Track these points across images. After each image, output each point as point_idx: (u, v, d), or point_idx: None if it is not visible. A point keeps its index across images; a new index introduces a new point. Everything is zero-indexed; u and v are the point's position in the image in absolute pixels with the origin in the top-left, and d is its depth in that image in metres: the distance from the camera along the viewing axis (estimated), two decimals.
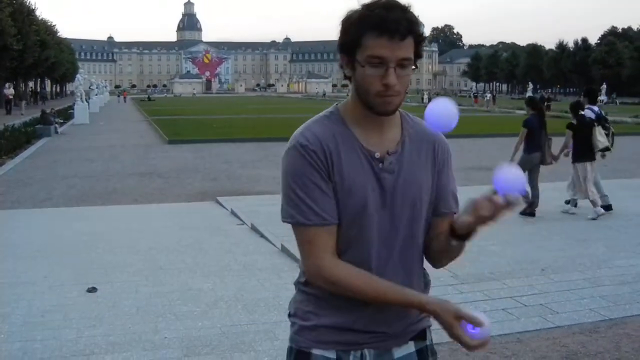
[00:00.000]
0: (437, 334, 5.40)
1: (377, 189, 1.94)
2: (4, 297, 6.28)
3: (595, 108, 10.84)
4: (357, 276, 1.90)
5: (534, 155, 10.29)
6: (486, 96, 74.10)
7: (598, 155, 10.36)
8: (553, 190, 13.36)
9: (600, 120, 10.58)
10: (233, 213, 10.73)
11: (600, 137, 10.18)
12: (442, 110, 1.83)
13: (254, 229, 9.35)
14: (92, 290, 6.44)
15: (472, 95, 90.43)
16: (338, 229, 1.94)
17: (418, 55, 1.89)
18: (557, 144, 10.78)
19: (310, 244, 1.92)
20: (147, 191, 14.17)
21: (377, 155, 1.94)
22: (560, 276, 6.89)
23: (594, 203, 9.96)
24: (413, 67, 1.89)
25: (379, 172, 1.94)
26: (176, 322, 5.57)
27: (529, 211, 10.13)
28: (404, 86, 1.87)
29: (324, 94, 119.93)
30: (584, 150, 10.08)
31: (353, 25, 1.85)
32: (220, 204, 11.77)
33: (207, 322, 5.55)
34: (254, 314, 5.76)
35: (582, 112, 10.36)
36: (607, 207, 10.28)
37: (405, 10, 1.83)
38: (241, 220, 10.13)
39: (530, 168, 10.18)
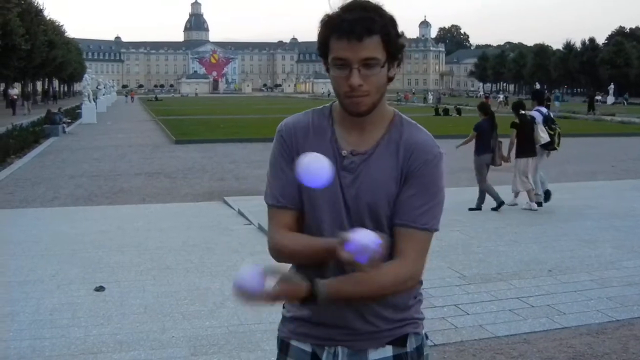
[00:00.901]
0: (444, 334, 5.40)
1: (336, 186, 1.94)
2: (12, 296, 6.32)
3: (543, 109, 11.43)
4: (296, 240, 1.97)
5: (483, 157, 10.94)
6: (499, 97, 73.48)
7: (544, 153, 11.20)
8: (561, 190, 13.35)
9: (548, 121, 11.19)
10: (240, 213, 10.74)
11: (542, 133, 10.86)
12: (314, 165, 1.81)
13: (260, 228, 9.35)
14: (100, 289, 6.46)
15: (483, 95, 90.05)
16: (302, 213, 2.00)
17: (391, 53, 1.87)
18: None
19: (270, 221, 2.04)
20: (154, 191, 14.21)
21: (344, 153, 1.96)
22: (567, 277, 6.88)
23: (516, 194, 10.99)
24: (383, 66, 1.86)
25: (339, 170, 1.94)
26: (183, 321, 5.59)
27: (477, 205, 10.85)
28: (372, 86, 1.87)
29: (329, 94, 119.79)
30: (525, 147, 10.72)
31: (321, 29, 1.89)
32: (228, 204, 11.79)
33: (215, 322, 5.57)
34: (261, 314, 5.75)
35: (523, 112, 11.01)
36: (539, 204, 10.95)
37: (367, 9, 1.83)
38: (248, 220, 10.14)
39: (480, 168, 10.95)
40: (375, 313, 2.01)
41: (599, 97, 54.85)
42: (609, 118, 42.78)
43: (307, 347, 2.07)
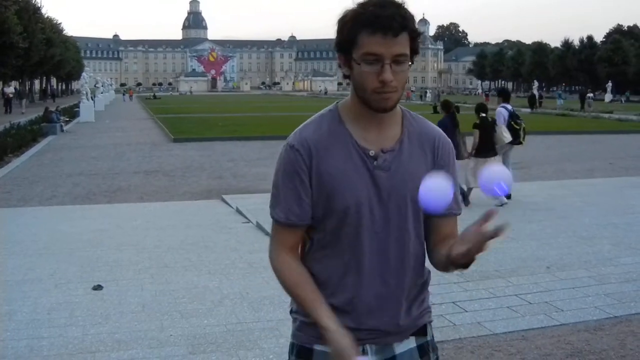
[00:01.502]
0: (442, 331, 5.40)
1: (371, 187, 1.95)
2: (10, 295, 6.31)
3: (509, 106, 12.06)
4: (291, 275, 2.01)
5: None
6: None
7: (510, 148, 11.85)
8: (559, 187, 13.39)
9: (513, 116, 11.81)
10: (238, 211, 10.74)
11: (505, 133, 11.43)
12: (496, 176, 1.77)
13: (259, 227, 9.36)
14: (98, 288, 6.46)
15: (483, 93, 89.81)
16: (325, 226, 2.00)
17: (414, 50, 1.90)
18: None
19: (273, 237, 2.06)
20: (153, 189, 14.20)
21: (372, 153, 1.96)
22: (565, 274, 6.89)
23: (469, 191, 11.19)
24: (410, 63, 1.90)
25: (373, 170, 1.95)
26: (182, 319, 5.59)
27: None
28: (400, 82, 1.88)
29: (326, 92, 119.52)
30: (483, 148, 11.13)
31: (348, 23, 1.88)
32: (226, 202, 11.79)
33: (213, 320, 5.57)
34: (260, 312, 5.77)
35: (484, 115, 11.57)
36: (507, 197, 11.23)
37: (398, 6, 1.85)
38: (246, 218, 10.14)
39: None
40: (408, 313, 2.07)
41: (590, 95, 55.68)
42: (606, 116, 42.76)
43: None
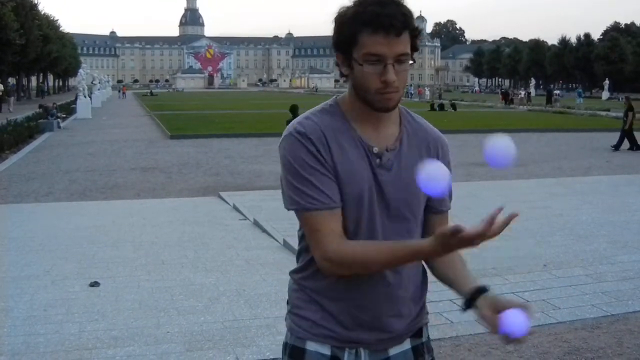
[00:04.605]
0: (440, 329, 5.39)
1: (372, 184, 1.91)
2: (6, 291, 6.30)
3: None
4: (364, 248, 1.86)
5: None
6: (520, 93, 71.26)
7: None
8: (556, 185, 13.41)
9: None
10: (235, 208, 10.73)
11: None
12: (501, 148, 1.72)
13: (256, 224, 9.36)
14: (95, 284, 6.45)
15: (500, 91, 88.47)
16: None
17: (414, 48, 1.87)
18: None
19: (317, 231, 1.86)
20: (149, 186, 14.18)
21: (376, 150, 1.91)
22: (562, 272, 6.89)
23: None
24: (411, 61, 1.86)
25: (376, 168, 1.91)
26: (178, 316, 5.58)
27: None
28: (402, 82, 1.85)
29: (316, 89, 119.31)
30: None
31: (347, 22, 1.82)
32: (223, 199, 11.78)
33: (210, 317, 5.56)
34: (256, 309, 5.76)
35: None
36: None
37: (398, 4, 1.81)
38: (243, 215, 10.13)
39: None
40: (407, 314, 2.05)
41: (557, 92, 57.91)
42: (604, 113, 42.81)
43: (326, 350, 1.97)
